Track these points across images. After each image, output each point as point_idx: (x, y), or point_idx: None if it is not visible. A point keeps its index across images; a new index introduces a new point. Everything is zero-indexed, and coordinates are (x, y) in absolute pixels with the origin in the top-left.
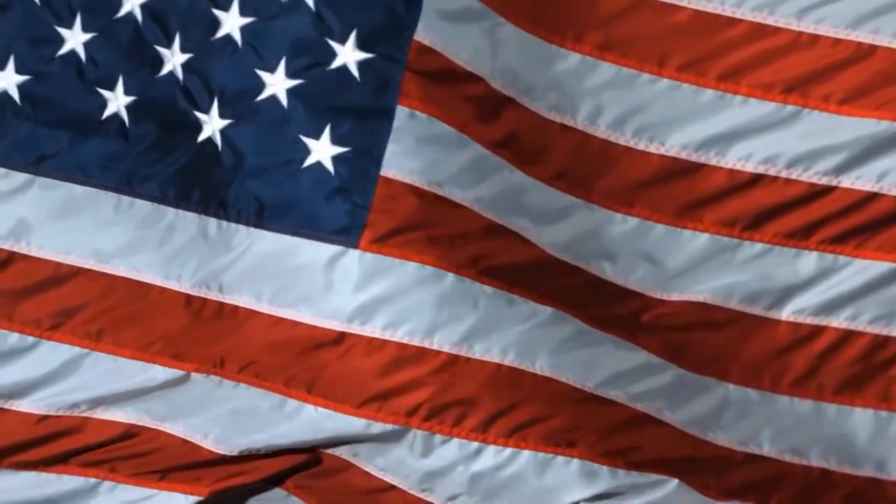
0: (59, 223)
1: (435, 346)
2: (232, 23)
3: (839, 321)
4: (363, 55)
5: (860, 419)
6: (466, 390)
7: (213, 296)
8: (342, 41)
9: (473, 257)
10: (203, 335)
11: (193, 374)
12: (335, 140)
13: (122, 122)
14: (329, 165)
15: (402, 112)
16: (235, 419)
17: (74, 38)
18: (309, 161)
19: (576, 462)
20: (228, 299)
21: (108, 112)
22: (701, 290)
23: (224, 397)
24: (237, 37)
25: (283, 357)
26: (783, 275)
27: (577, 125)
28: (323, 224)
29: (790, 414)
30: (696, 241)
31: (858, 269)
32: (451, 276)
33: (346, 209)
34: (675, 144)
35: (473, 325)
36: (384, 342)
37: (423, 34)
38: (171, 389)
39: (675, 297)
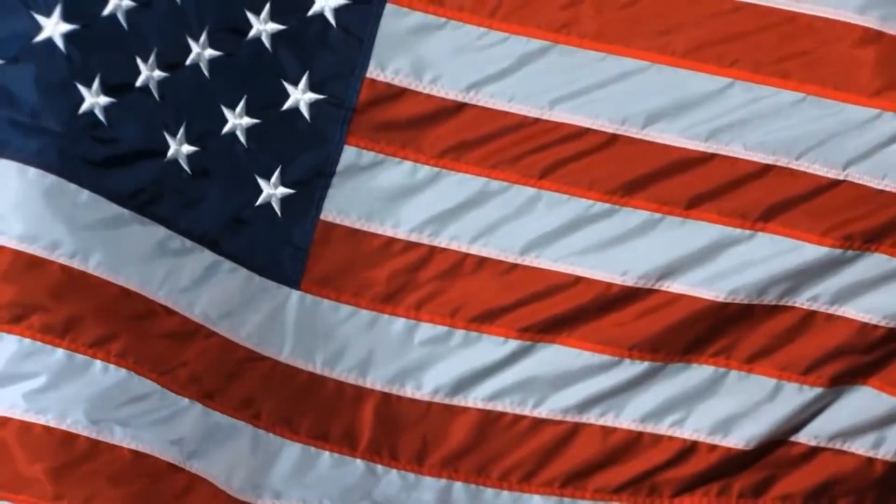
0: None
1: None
2: (200, 54)
3: None
4: (314, 97)
5: None
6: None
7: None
8: (295, 83)
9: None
10: None
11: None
12: (284, 181)
13: (98, 119)
14: (276, 206)
15: (349, 152)
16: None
17: (53, 27)
18: (261, 200)
19: None
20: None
21: (83, 107)
22: None
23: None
24: (205, 69)
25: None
26: None
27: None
28: (267, 263)
29: None
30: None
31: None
32: (385, 317)
33: (287, 251)
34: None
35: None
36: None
37: (377, 71)
38: None
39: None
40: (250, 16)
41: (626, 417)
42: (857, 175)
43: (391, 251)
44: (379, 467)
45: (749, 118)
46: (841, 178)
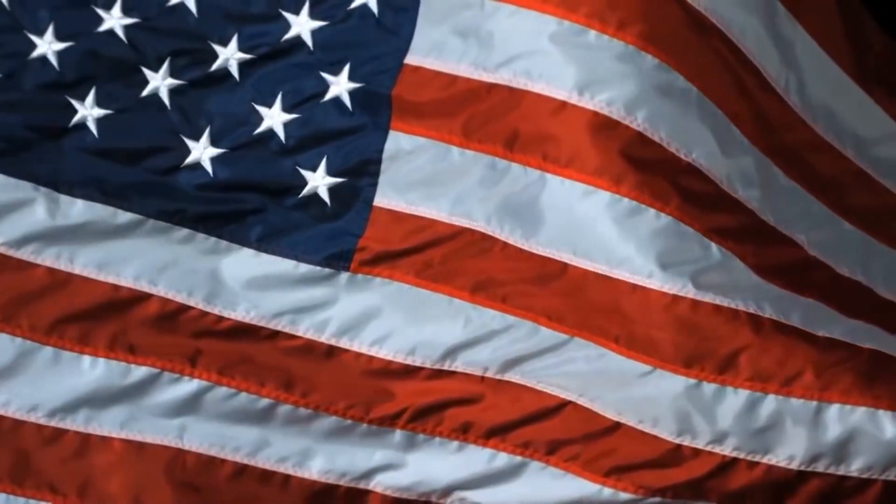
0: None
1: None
2: (229, 58)
3: None
4: (354, 85)
5: None
6: None
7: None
8: (335, 73)
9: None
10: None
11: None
12: (331, 171)
13: (91, 132)
14: (325, 196)
15: (393, 137)
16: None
17: (46, 45)
18: (306, 191)
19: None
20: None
21: (75, 120)
22: None
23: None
24: (235, 72)
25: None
26: None
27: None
28: (316, 252)
29: None
30: None
31: None
32: (439, 297)
33: (339, 239)
34: None
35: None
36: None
37: (415, 56)
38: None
39: None
40: (288, 16)
41: (664, 429)
42: None
43: (441, 233)
44: (420, 436)
45: None
46: None
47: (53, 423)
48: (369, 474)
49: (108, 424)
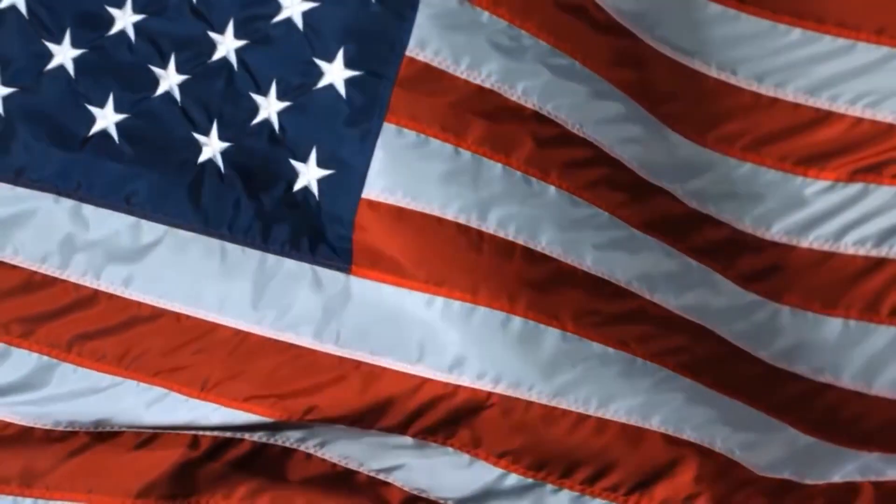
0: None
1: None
2: (227, 47)
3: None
4: (351, 73)
5: None
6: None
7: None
8: (330, 60)
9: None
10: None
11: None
12: (321, 162)
13: (111, 138)
14: (314, 189)
15: (388, 129)
16: None
17: (63, 54)
18: (298, 184)
19: None
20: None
21: (95, 129)
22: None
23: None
24: (234, 61)
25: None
26: None
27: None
28: (313, 250)
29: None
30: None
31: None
32: (440, 300)
33: (332, 234)
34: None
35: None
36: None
37: (417, 49)
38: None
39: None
40: None
41: (688, 429)
42: None
43: (442, 233)
44: (432, 445)
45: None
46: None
47: (61, 427)
48: (387, 470)
49: (119, 424)
